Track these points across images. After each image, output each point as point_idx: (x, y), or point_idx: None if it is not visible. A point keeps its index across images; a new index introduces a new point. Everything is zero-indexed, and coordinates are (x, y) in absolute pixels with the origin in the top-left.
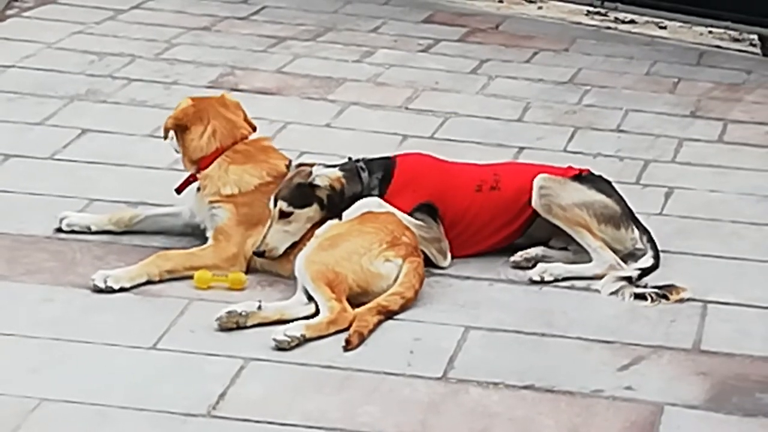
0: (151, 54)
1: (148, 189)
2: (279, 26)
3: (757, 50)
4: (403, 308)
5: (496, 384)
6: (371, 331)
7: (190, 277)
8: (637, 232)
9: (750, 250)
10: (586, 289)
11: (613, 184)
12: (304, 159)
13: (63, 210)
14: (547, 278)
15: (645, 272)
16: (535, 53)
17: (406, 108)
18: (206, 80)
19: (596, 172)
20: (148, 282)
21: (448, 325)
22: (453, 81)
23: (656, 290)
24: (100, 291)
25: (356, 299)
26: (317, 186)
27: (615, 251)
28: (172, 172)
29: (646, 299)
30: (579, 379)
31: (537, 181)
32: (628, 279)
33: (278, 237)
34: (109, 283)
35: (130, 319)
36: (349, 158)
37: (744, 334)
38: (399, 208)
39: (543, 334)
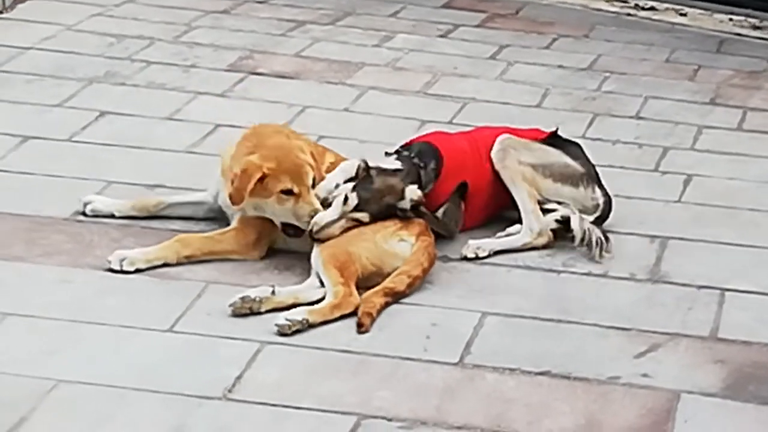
0: (170, 37)
1: (166, 172)
2: (298, 10)
3: None
4: (411, 287)
5: (512, 370)
6: (380, 312)
7: (209, 261)
8: (599, 192)
9: None
10: (604, 275)
11: (584, 148)
12: (371, 157)
13: (80, 192)
14: (480, 254)
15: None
16: (555, 39)
17: (425, 93)
18: (225, 63)
19: (565, 136)
20: (165, 265)
21: (465, 310)
22: (472, 66)
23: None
24: (115, 272)
25: (372, 279)
26: (405, 209)
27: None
28: (189, 155)
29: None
30: (595, 365)
31: (502, 137)
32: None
33: (337, 230)
34: (125, 266)
35: (146, 301)
36: (398, 151)
37: (761, 322)
38: (443, 192)
39: (560, 321)
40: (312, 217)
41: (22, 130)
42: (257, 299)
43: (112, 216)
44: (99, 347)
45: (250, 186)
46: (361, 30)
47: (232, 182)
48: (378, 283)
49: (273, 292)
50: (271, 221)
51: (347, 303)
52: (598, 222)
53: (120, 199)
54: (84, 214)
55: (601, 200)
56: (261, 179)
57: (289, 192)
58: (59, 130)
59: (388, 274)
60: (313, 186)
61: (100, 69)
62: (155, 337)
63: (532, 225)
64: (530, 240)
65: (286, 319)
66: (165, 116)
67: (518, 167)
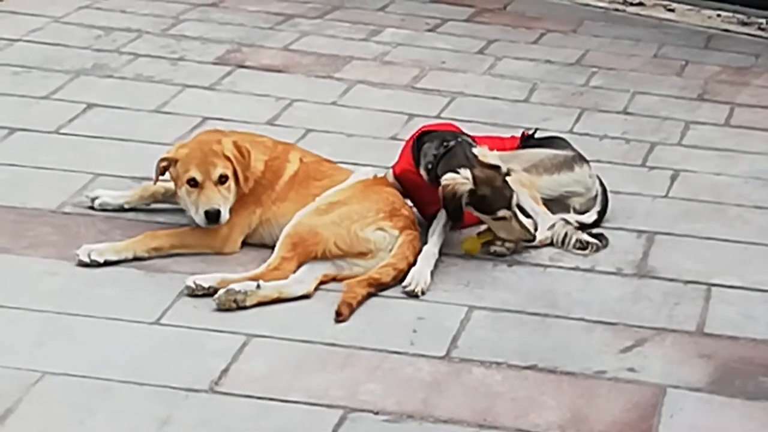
0: (158, 29)
1: (153, 164)
2: (286, 3)
3: (765, 34)
4: (395, 279)
5: (498, 364)
6: (360, 303)
7: (196, 254)
8: (594, 171)
9: (755, 233)
10: (591, 270)
11: (567, 140)
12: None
13: (67, 183)
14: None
15: (586, 227)
16: (543, 34)
17: (413, 87)
18: (213, 57)
19: (543, 134)
20: (136, 258)
21: (452, 304)
22: (460, 61)
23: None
24: (85, 265)
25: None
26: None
27: (580, 195)
28: None
29: (585, 248)
30: (582, 360)
31: None
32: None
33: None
34: (93, 257)
35: (133, 293)
36: (452, 139)
37: (748, 317)
38: None
39: (546, 315)
40: (211, 211)
41: (9, 122)
42: (242, 293)
43: (123, 209)
44: (85, 339)
45: (157, 171)
46: (350, 24)
47: None
48: (346, 264)
49: (258, 286)
50: (245, 215)
51: (269, 275)
52: (600, 216)
53: (116, 191)
54: (92, 208)
55: (597, 182)
56: (174, 163)
57: (193, 182)
58: (46, 122)
59: (353, 257)
60: (237, 183)
61: (87, 61)
62: (142, 329)
63: (546, 223)
64: (548, 235)
65: (195, 283)
66: (152, 109)
67: (513, 176)
